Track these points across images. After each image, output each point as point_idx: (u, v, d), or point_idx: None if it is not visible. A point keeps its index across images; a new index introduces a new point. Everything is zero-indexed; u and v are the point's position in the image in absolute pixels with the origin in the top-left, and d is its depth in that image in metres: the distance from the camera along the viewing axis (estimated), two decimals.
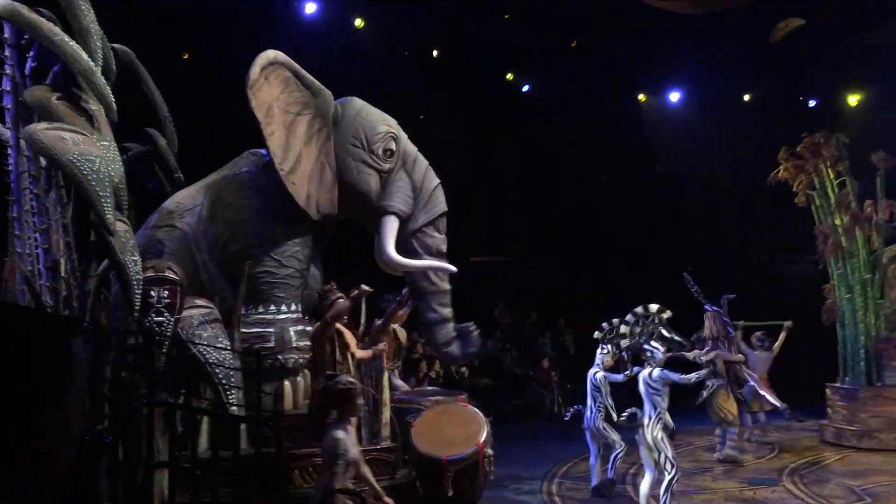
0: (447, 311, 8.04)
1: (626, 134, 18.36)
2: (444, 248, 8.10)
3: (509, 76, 17.74)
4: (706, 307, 11.00)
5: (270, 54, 7.52)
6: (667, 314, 8.20)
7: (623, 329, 8.33)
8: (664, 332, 8.13)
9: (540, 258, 18.53)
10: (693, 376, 7.73)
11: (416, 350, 14.13)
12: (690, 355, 10.23)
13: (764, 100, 17.58)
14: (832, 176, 12.49)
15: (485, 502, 7.46)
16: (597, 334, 9.28)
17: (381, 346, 7.31)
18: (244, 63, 7.36)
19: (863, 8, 14.09)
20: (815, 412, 12.68)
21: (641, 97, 18.45)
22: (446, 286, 8.06)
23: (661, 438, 7.47)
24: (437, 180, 8.17)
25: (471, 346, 8.17)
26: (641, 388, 7.67)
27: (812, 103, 17.66)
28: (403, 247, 7.87)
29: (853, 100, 16.82)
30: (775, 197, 13.38)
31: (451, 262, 8.14)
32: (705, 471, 10.36)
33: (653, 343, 7.89)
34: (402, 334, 8.69)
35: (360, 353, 6.93)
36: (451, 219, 8.40)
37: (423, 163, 8.14)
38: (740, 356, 10.81)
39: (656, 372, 7.55)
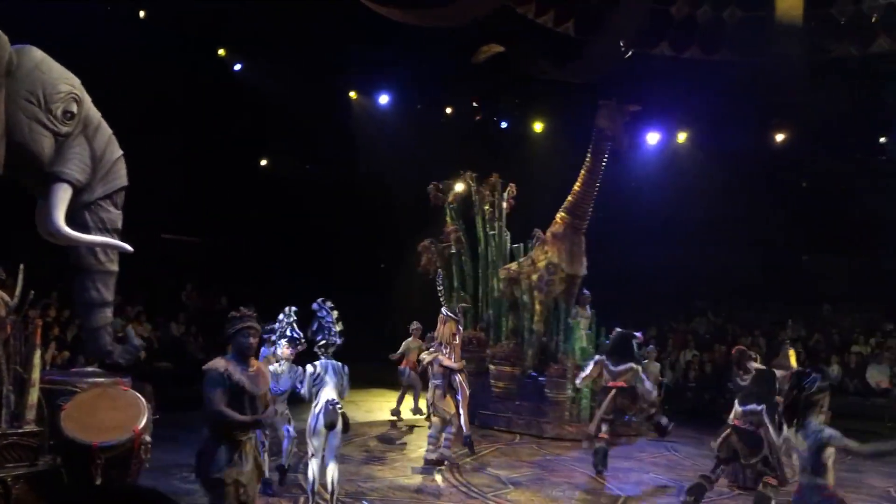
0: (110, 295, 7.39)
1: (335, 129, 18.59)
2: (119, 224, 7.47)
3: (221, 52, 17.16)
4: (443, 311, 11.46)
5: None
6: (293, 310, 8.79)
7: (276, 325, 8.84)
8: (289, 331, 8.75)
9: (235, 241, 18.12)
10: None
11: None
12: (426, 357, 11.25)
13: (463, 115, 18.78)
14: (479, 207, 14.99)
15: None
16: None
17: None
18: None
19: (554, 46, 15.61)
20: None
21: (353, 95, 18.81)
22: (115, 267, 7.43)
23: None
24: (121, 152, 7.56)
25: (130, 351, 7.62)
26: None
27: (504, 125, 19.19)
28: (74, 219, 7.13)
29: (538, 127, 18.56)
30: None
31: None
32: (374, 460, 10.78)
33: (282, 340, 8.74)
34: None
35: None
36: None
37: (106, 131, 7.49)
38: (461, 364, 11.20)
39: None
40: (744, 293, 22.34)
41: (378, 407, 14.34)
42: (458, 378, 10.93)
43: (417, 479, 9.87)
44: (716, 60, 14.84)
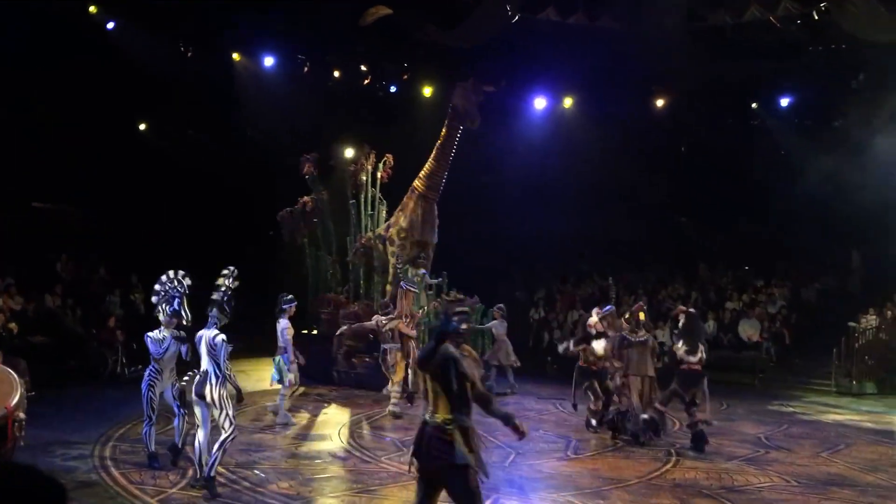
0: None
1: (218, 92, 17.93)
2: None
3: (92, 9, 16.15)
4: (402, 284, 12.57)
5: None
6: (187, 282, 8.45)
7: (154, 298, 8.48)
8: (175, 303, 8.48)
9: (113, 209, 17.31)
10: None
11: None
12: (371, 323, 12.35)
13: (351, 78, 18.42)
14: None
15: None
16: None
17: None
18: None
19: (441, 9, 15.55)
20: None
21: (236, 56, 18.13)
22: None
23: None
24: None
25: None
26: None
27: (393, 89, 18.97)
28: None
29: (427, 91, 18.42)
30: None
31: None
32: (266, 429, 10.64)
33: (164, 306, 8.37)
34: None
35: None
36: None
37: None
38: (414, 332, 12.36)
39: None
40: (627, 255, 23.13)
41: (269, 376, 14.11)
42: (412, 345, 12.19)
43: (310, 447, 9.80)
44: (600, 27, 15.13)
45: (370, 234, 15.57)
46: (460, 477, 5.07)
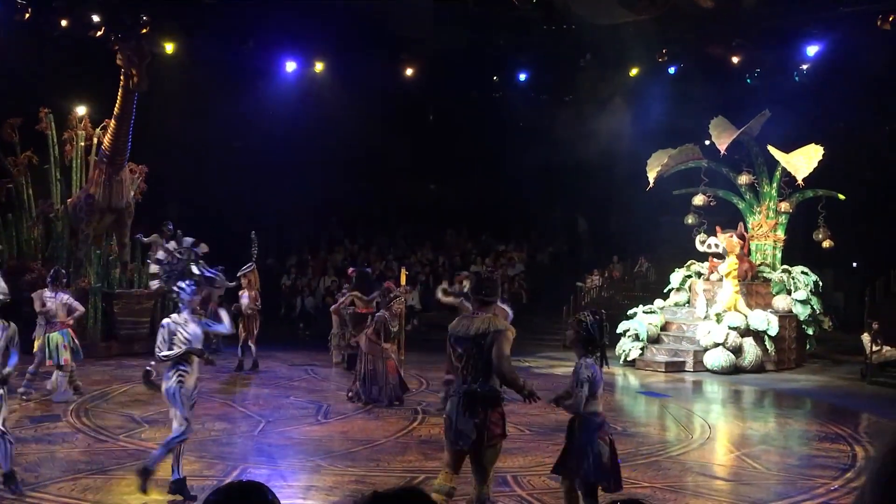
0: None
1: None
2: None
3: None
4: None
5: None
6: (203, 248, 7.41)
7: (154, 268, 7.05)
8: (194, 268, 7.15)
9: None
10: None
11: None
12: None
13: (81, 29, 16.76)
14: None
15: None
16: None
17: None
18: None
19: None
20: None
21: None
22: None
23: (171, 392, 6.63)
24: None
25: None
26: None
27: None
28: None
29: (169, 47, 17.22)
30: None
31: None
32: None
33: (181, 284, 6.74)
34: None
35: None
36: None
37: None
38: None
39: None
40: (377, 221, 23.57)
41: None
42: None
43: (37, 429, 9.00)
44: None
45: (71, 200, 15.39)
46: None
